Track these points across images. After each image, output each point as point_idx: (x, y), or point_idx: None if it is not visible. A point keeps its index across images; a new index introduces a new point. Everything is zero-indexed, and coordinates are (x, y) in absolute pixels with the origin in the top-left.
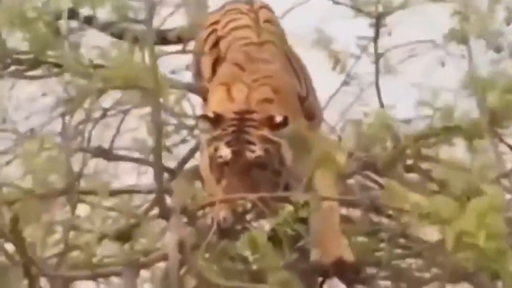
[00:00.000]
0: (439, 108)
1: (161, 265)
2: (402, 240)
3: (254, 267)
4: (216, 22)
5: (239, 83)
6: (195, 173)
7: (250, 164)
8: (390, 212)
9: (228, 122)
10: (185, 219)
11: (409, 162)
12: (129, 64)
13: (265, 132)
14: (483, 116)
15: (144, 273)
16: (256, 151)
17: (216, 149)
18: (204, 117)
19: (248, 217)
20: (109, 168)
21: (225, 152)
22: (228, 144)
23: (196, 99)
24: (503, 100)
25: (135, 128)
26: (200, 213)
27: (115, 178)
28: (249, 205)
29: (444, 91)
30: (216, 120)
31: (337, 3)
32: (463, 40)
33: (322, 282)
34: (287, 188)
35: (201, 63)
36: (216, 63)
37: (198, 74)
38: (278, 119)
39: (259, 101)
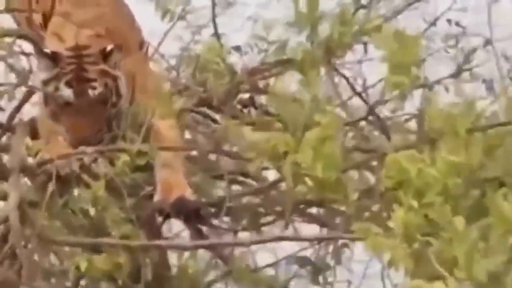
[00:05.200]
0: (273, 41)
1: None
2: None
3: (96, 220)
4: None
5: (68, 25)
6: (30, 126)
7: (93, 102)
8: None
9: (65, 60)
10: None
11: (245, 96)
12: None
13: (103, 66)
14: (318, 48)
15: None
16: (97, 87)
17: (56, 89)
18: (41, 53)
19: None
20: None
21: (67, 92)
22: (68, 83)
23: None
24: (337, 31)
25: None
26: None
27: None
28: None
29: (279, 24)
30: (53, 58)
31: None
32: None
33: (162, 223)
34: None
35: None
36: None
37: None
38: (109, 48)
39: (89, 36)
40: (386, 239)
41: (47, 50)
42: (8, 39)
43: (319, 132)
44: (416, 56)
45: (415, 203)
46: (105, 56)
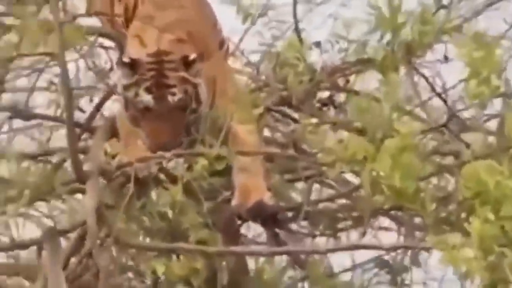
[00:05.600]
0: (353, 40)
1: None
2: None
3: (174, 224)
4: None
5: (150, 29)
6: (109, 125)
7: (172, 108)
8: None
9: (145, 66)
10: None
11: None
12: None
13: (183, 73)
14: (398, 49)
15: None
16: (176, 94)
17: (136, 95)
18: (120, 63)
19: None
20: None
21: (146, 98)
22: (148, 89)
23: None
24: (417, 31)
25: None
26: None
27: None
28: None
29: (359, 23)
30: (133, 65)
31: None
32: None
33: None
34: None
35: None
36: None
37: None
38: (191, 57)
39: (171, 41)
40: (462, 250)
41: (126, 60)
42: (90, 37)
43: (398, 141)
44: (497, 64)
45: (491, 216)
46: (186, 64)
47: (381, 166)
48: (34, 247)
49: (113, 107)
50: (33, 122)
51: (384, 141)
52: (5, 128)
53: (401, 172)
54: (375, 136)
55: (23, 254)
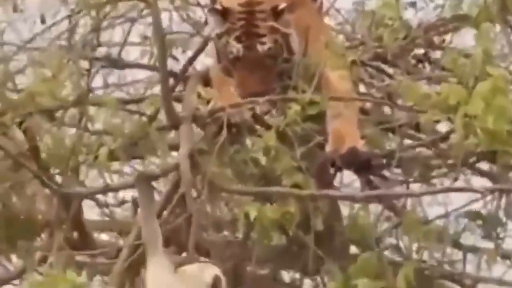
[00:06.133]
0: None
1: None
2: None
3: (267, 169)
4: None
5: None
6: (203, 77)
7: (262, 57)
8: (401, 103)
9: (236, 15)
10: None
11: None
12: None
13: (273, 23)
14: (493, 4)
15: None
16: (266, 43)
17: (226, 44)
18: (212, 10)
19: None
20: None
21: (236, 47)
22: (238, 39)
23: None
24: None
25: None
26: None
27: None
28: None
29: None
30: (224, 13)
31: None
32: None
33: (334, 174)
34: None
35: None
36: None
37: None
38: (280, 7)
39: None
40: None
41: (218, 7)
42: None
43: (490, 83)
44: None
45: None
46: (276, 14)
47: (474, 108)
48: (129, 205)
49: (205, 61)
50: (129, 79)
51: (476, 86)
52: (100, 82)
53: (494, 114)
54: (468, 84)
55: (119, 211)
